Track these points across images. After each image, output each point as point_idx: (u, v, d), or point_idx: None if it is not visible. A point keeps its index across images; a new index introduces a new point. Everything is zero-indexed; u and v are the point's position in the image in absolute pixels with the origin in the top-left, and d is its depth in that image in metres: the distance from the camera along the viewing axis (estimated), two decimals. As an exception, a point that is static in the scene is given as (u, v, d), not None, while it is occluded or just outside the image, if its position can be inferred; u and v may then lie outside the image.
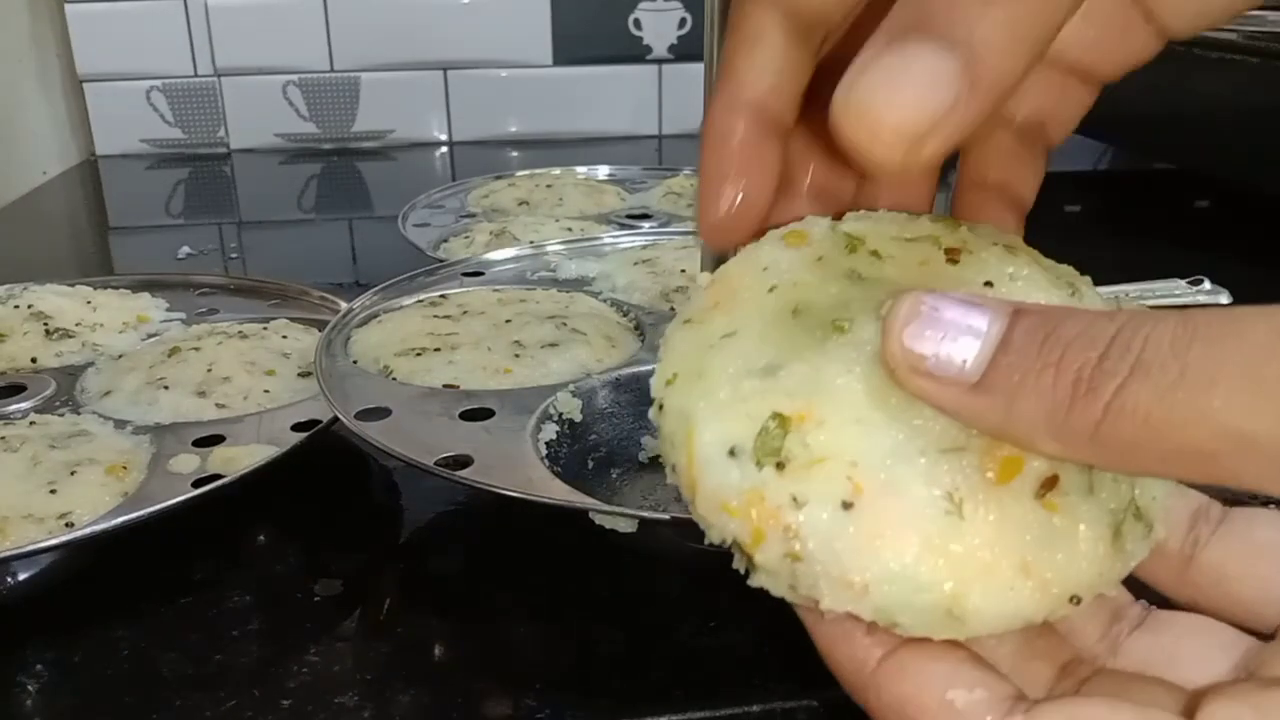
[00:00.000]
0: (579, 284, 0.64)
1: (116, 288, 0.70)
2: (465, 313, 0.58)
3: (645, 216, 0.87)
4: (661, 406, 0.25)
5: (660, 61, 1.20)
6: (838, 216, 0.28)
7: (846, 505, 0.22)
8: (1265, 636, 0.25)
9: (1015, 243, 0.26)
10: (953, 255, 0.26)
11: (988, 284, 0.25)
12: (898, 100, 0.22)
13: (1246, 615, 0.26)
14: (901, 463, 0.22)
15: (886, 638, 0.24)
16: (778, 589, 0.24)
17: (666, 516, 0.39)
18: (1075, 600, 0.23)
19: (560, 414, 0.48)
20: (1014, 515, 0.22)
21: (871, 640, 0.24)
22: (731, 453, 0.23)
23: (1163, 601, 0.27)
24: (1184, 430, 0.19)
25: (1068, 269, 0.26)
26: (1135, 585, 0.27)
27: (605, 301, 0.61)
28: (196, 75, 1.16)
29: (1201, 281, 0.64)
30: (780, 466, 0.23)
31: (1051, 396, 0.20)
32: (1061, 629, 0.27)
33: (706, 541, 0.24)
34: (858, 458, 0.22)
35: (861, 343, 0.23)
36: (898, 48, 0.22)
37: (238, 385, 0.55)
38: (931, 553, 0.22)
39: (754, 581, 0.24)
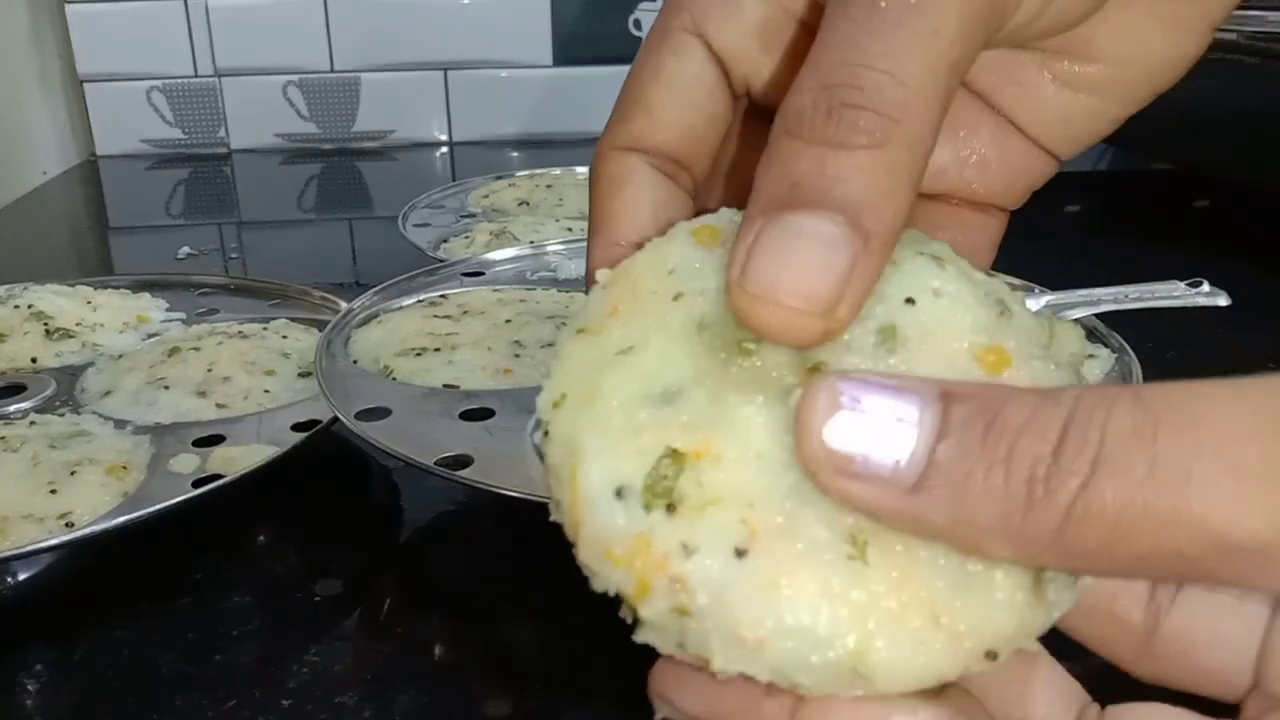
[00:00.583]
0: (579, 284, 0.64)
1: (116, 288, 0.70)
2: (465, 313, 0.58)
3: (645, 217, 0.87)
4: (547, 433, 0.23)
5: (660, 62, 1.20)
6: None
7: (740, 552, 0.20)
8: (1232, 709, 0.23)
9: (943, 252, 0.24)
10: None
11: (909, 300, 0.22)
12: (797, 280, 0.21)
13: (1215, 684, 0.24)
14: (801, 503, 0.20)
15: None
16: (665, 645, 0.22)
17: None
18: (992, 656, 0.21)
19: (560, 414, 0.48)
20: (924, 559, 0.20)
21: (781, 695, 0.21)
22: (619, 493, 0.21)
23: (1111, 691, 0.25)
24: (1159, 532, 0.17)
25: (999, 284, 0.24)
26: (1100, 673, 0.25)
27: (605, 301, 0.61)
28: (197, 75, 1.16)
29: (1201, 284, 0.64)
30: (671, 509, 0.21)
31: (1003, 499, 0.18)
32: None
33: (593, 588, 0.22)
34: (754, 498, 0.20)
35: (768, 368, 0.22)
36: (777, 225, 0.21)
37: (238, 385, 0.55)
38: (831, 603, 0.20)
39: (639, 637, 0.22)
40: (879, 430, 0.19)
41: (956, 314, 0.22)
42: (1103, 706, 0.25)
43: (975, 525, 0.19)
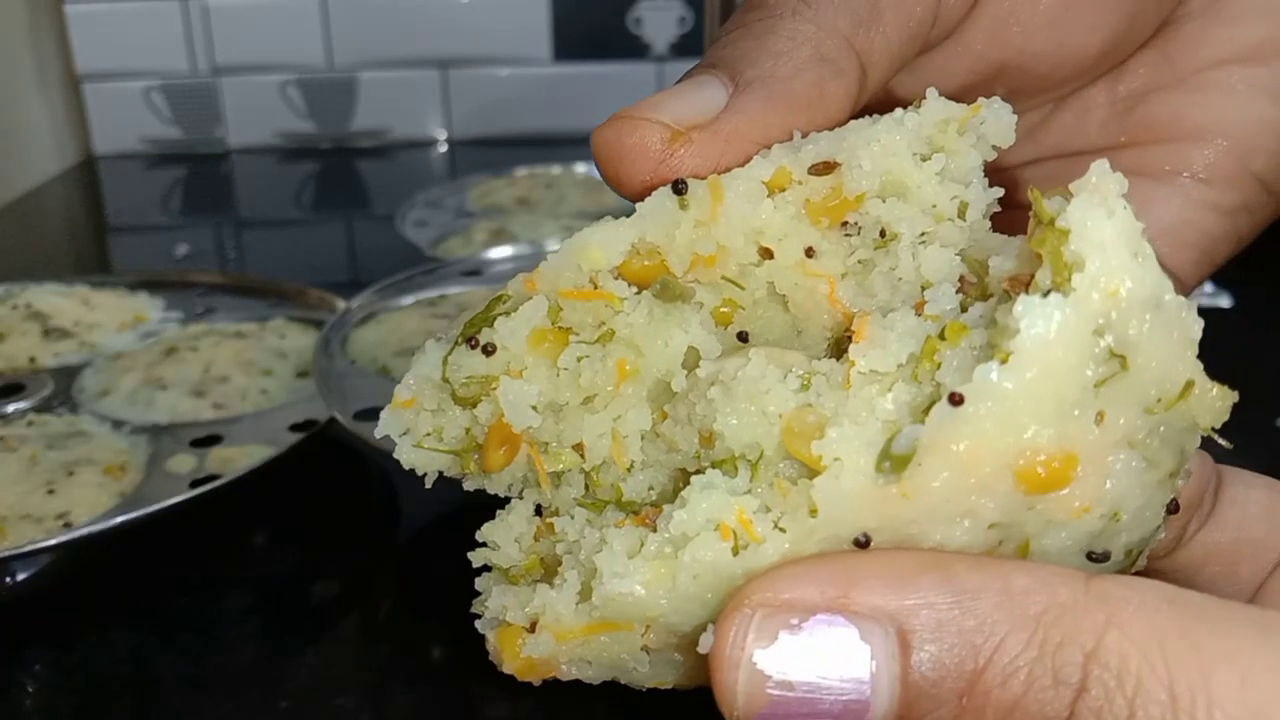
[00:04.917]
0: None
1: (114, 287, 0.69)
2: (464, 312, 0.58)
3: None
4: None
5: (660, 59, 1.19)
6: None
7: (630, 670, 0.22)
8: None
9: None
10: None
11: (954, 401, 0.18)
12: (664, 101, 0.22)
13: None
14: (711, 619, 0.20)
15: None
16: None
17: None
18: None
19: (559, 414, 0.48)
20: None
21: None
22: (437, 338, 0.24)
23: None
24: None
25: (1154, 282, 0.18)
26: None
27: (604, 301, 0.61)
28: (195, 74, 1.16)
29: (1202, 284, 0.64)
30: (481, 349, 0.23)
31: None
32: None
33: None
34: (655, 618, 0.21)
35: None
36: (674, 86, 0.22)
37: (235, 385, 0.55)
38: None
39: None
40: (819, 700, 0.16)
41: (1021, 402, 0.17)
42: None
43: None
